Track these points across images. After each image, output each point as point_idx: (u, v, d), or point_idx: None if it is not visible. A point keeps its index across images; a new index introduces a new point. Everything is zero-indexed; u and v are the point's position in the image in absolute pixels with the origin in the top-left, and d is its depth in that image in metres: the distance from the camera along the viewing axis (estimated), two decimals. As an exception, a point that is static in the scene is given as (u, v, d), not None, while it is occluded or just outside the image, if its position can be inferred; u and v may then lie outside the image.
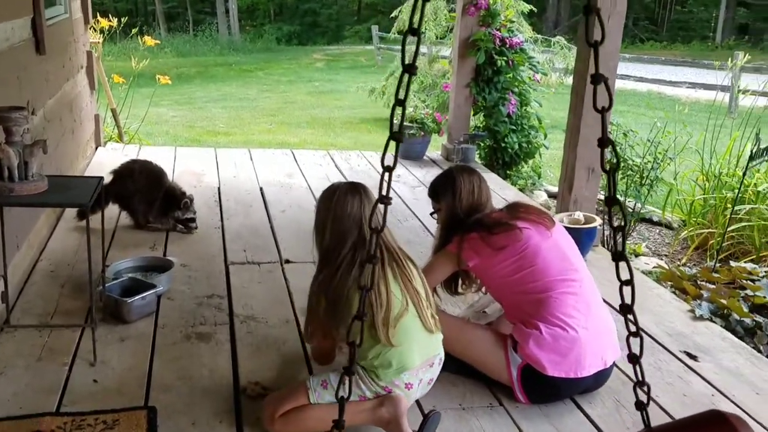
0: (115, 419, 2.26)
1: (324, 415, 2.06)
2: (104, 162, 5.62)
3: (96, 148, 5.98)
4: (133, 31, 8.29)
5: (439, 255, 2.64)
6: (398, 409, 2.13)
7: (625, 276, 1.00)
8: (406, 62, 0.82)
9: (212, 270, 3.52)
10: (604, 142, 1.01)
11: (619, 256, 1.01)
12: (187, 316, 2.99)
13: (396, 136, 0.85)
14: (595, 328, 2.41)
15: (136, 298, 2.90)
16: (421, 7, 0.85)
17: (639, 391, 1.03)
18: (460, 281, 2.72)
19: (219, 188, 5.04)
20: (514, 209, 2.61)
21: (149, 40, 7.32)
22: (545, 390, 2.41)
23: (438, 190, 2.68)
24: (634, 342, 1.02)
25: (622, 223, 1.00)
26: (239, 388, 2.45)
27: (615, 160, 1.05)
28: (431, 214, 2.78)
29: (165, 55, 19.05)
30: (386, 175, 0.94)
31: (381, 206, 1.02)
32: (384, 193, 0.94)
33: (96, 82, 6.05)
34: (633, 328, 1.02)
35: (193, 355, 2.67)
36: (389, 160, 0.95)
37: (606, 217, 4.31)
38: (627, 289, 1.00)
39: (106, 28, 6.74)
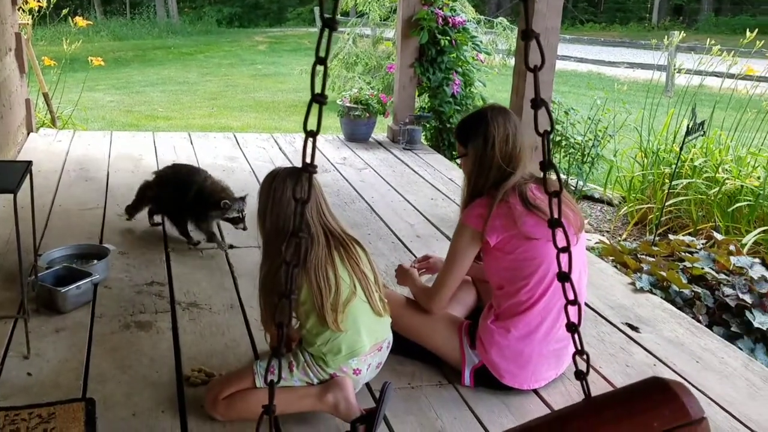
0: (51, 413, 2.17)
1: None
2: (37, 148, 5.42)
3: (28, 134, 5.74)
4: (64, 12, 7.95)
5: (459, 237, 2.33)
6: (345, 392, 2.09)
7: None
8: (326, 17, 0.77)
9: (152, 257, 3.42)
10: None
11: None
12: (125, 305, 2.90)
13: (318, 98, 0.80)
14: (560, 344, 2.32)
15: (71, 287, 2.79)
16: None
17: (578, 360, 1.02)
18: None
19: (158, 173, 4.89)
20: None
21: (81, 21, 7.04)
22: (495, 386, 2.37)
23: (467, 131, 2.34)
24: (572, 310, 1.01)
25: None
26: (182, 377, 2.39)
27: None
28: (455, 158, 2.51)
29: (101, 38, 18.46)
30: (309, 141, 0.89)
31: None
32: (309, 161, 0.89)
33: (27, 65, 5.79)
34: (572, 297, 1.01)
35: (133, 345, 2.59)
36: (312, 125, 0.90)
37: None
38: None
39: (36, 9, 6.46)
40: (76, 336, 2.63)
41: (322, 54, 0.79)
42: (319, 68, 0.82)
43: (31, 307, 2.73)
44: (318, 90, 0.80)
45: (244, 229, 3.46)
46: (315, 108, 0.83)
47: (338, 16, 10.64)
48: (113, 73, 12.81)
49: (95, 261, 3.17)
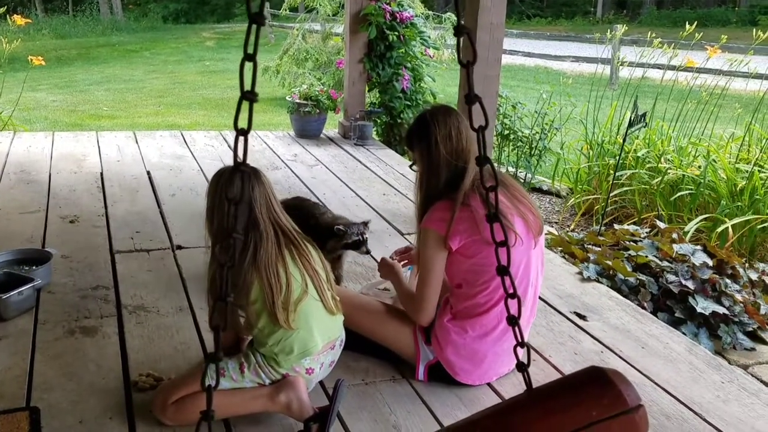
0: (-7, 424, 2.10)
1: (219, 402, 1.98)
2: (-26, 151, 5.23)
3: (-36, 137, 5.55)
4: (1, 10, 7.68)
5: (424, 244, 2.29)
6: (298, 391, 2.08)
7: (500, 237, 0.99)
8: (253, 11, 0.76)
9: (96, 260, 3.33)
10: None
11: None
12: (70, 310, 2.82)
13: (248, 95, 0.80)
14: (511, 343, 2.36)
15: (13, 293, 2.70)
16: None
17: (519, 352, 1.04)
18: None
19: (102, 173, 4.78)
20: (515, 197, 2.31)
21: (19, 19, 6.81)
22: (449, 380, 2.39)
23: (412, 137, 2.38)
24: (512, 303, 1.03)
25: (495, 183, 0.99)
26: (129, 382, 2.34)
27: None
28: (410, 166, 2.49)
29: (42, 37, 17.97)
30: (241, 139, 0.88)
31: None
32: (240, 159, 0.88)
33: (-40, 64, 5.59)
34: (514, 307, 1.02)
35: (78, 351, 2.52)
36: (243, 123, 0.89)
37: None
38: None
39: (-30, 6, 6.23)
40: (19, 343, 2.55)
41: (250, 50, 0.77)
42: (249, 64, 0.81)
43: (-30, 315, 2.64)
44: (248, 87, 0.79)
45: (367, 252, 3.11)
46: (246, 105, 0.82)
47: (286, 12, 10.51)
48: (56, 72, 12.47)
49: (37, 266, 3.08)
